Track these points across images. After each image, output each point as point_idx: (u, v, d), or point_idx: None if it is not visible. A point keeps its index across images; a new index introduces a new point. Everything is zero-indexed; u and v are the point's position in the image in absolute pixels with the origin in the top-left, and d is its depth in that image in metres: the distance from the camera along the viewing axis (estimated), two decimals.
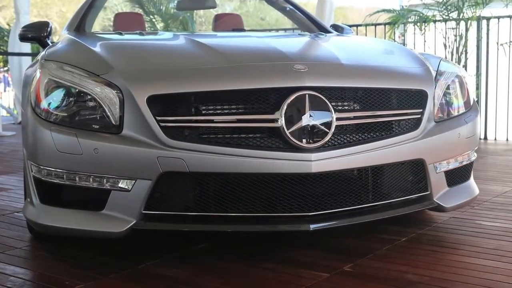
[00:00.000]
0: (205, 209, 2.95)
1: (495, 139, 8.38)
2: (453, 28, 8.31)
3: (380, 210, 3.18)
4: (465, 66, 8.28)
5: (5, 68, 16.94)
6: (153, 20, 13.22)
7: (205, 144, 2.90)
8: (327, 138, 2.96)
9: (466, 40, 8.25)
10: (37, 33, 4.33)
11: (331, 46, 3.89)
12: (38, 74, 3.18)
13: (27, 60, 11.01)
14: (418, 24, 8.63)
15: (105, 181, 2.94)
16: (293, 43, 4.23)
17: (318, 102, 2.97)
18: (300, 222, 2.98)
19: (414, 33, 9.01)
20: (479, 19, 8.38)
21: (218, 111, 2.98)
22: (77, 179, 2.97)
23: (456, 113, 3.54)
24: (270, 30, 14.04)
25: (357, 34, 9.07)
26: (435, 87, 3.39)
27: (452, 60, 8.13)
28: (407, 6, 9.46)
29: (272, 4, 5.73)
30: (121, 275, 2.95)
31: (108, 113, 2.98)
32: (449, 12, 8.36)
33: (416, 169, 3.26)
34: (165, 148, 2.88)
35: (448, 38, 8.29)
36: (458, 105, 3.58)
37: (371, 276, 2.89)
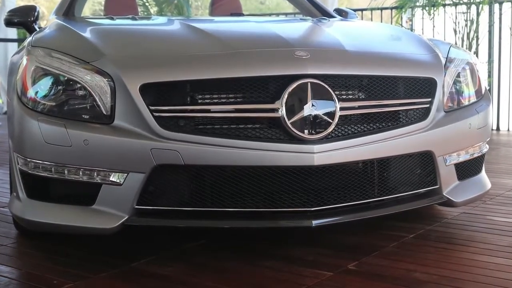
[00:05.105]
0: (202, 204, 2.95)
1: (508, 129, 8.37)
2: (463, 13, 8.28)
3: (387, 205, 3.18)
4: (476, 53, 8.27)
5: None
6: (147, 4, 13.19)
7: (201, 135, 2.90)
8: (330, 129, 2.95)
9: (478, 25, 8.23)
10: (23, 18, 4.32)
11: (334, 31, 3.89)
12: (24, 61, 3.18)
13: (13, 46, 10.99)
14: (427, 8, 8.60)
15: (95, 174, 2.94)
16: (294, 28, 4.23)
17: (321, 90, 2.96)
18: (302, 218, 2.98)
19: (423, 18, 8.98)
20: (491, 3, 8.35)
21: (215, 101, 2.97)
22: (66, 172, 2.96)
23: (466, 103, 3.53)
24: (270, 15, 14.02)
25: (362, 19, 9.06)
26: (445, 75, 3.39)
27: (462, 46, 8.12)
28: None
29: None
30: (112, 273, 2.95)
31: (99, 103, 2.97)
32: None
33: (424, 162, 3.26)
34: (159, 140, 2.87)
35: (459, 23, 8.27)
36: (469, 94, 3.58)
37: (376, 275, 2.89)
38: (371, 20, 9.75)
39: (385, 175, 3.18)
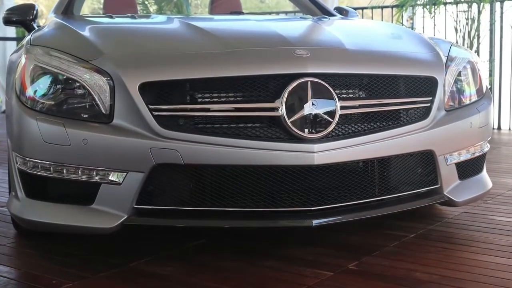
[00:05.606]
0: (201, 204, 2.95)
1: (510, 128, 8.36)
2: (464, 11, 8.28)
3: (387, 204, 3.18)
4: (477, 52, 8.26)
5: None
6: (146, 2, 13.19)
7: (201, 134, 2.90)
8: (330, 128, 2.95)
9: (479, 23, 8.22)
10: (22, 16, 4.33)
11: (335, 30, 3.88)
12: (23, 60, 3.17)
13: (12, 45, 10.99)
14: (428, 6, 8.60)
15: (94, 173, 2.94)
16: (294, 27, 4.22)
17: (321, 89, 2.96)
18: (302, 217, 2.98)
19: (423, 16, 8.98)
20: (492, 1, 8.35)
21: (215, 99, 2.97)
22: (65, 171, 2.96)
23: (468, 102, 3.53)
24: (270, 13, 14.01)
25: (362, 18, 9.06)
26: (446, 73, 3.38)
27: (463, 45, 8.11)
28: None
29: None
30: (111, 273, 2.94)
31: (98, 102, 2.97)
32: None
33: (425, 161, 3.26)
34: (159, 139, 2.87)
35: (460, 21, 8.26)
36: (470, 92, 3.58)
37: (377, 274, 2.89)
38: (372, 18, 9.74)
39: (385, 174, 3.18)
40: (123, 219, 2.93)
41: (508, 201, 4.20)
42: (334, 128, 2.97)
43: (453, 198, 3.35)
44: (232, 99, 2.97)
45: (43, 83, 3.07)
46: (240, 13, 5.04)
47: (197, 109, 2.95)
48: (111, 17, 4.14)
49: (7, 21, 4.39)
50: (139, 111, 2.89)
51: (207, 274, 2.92)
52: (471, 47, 8.15)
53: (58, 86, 3.04)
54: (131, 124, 2.91)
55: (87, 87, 2.98)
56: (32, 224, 3.13)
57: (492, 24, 8.47)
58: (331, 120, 2.95)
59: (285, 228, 3.33)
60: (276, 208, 2.97)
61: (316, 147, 2.92)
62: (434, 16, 8.63)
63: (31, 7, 4.37)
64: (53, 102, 3.02)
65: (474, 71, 3.64)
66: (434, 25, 8.74)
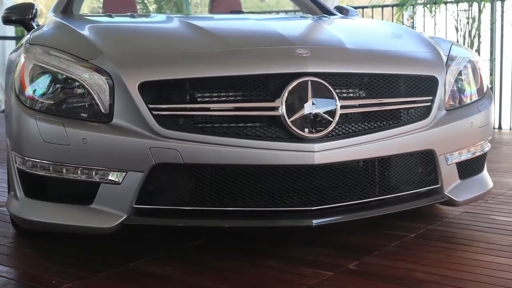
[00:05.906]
0: (201, 203, 2.95)
1: (510, 128, 8.36)
2: (465, 10, 8.28)
3: (388, 204, 3.18)
4: (478, 51, 8.26)
5: None
6: (145, 1, 13.19)
7: (201, 133, 2.89)
8: (330, 128, 2.95)
9: (479, 22, 8.22)
10: (21, 16, 4.33)
11: (335, 29, 3.88)
12: (22, 59, 3.17)
13: (11, 44, 10.99)
14: (428, 5, 8.60)
15: (94, 173, 2.93)
16: (294, 26, 4.23)
17: (321, 89, 2.96)
18: (302, 217, 2.98)
19: (424, 16, 8.98)
20: (493, 0, 8.35)
21: (215, 99, 2.97)
22: (64, 171, 2.96)
23: (468, 101, 3.53)
24: (270, 13, 14.02)
25: (363, 17, 9.06)
26: (446, 73, 3.38)
27: (464, 44, 8.11)
28: None
29: None
30: (110, 273, 2.94)
31: (97, 101, 2.97)
32: None
33: (425, 161, 3.26)
34: (158, 138, 2.87)
35: (460, 20, 8.26)
36: (470, 92, 3.58)
37: (377, 274, 2.88)
38: (372, 18, 9.74)
39: (386, 174, 3.18)
40: (123, 218, 2.93)
41: (509, 201, 4.19)
42: (334, 127, 2.97)
43: (453, 198, 3.35)
44: (232, 98, 2.97)
45: (43, 83, 3.06)
46: (240, 12, 5.04)
47: (197, 109, 2.95)
48: (110, 16, 4.14)
49: (6, 20, 4.39)
50: (138, 110, 2.89)
51: (207, 274, 2.92)
52: (471, 46, 8.15)
53: (58, 86, 3.04)
54: (130, 123, 2.91)
55: (87, 86, 2.98)
56: (31, 224, 3.13)
57: (492, 23, 8.47)
58: (331, 120, 2.95)
59: (285, 228, 3.33)
60: (276, 208, 2.97)
61: (316, 146, 2.91)
62: (434, 15, 8.63)
63: (30, 6, 4.37)
64: (52, 102, 3.02)
65: (474, 70, 3.64)
66: (435, 24, 8.74)
